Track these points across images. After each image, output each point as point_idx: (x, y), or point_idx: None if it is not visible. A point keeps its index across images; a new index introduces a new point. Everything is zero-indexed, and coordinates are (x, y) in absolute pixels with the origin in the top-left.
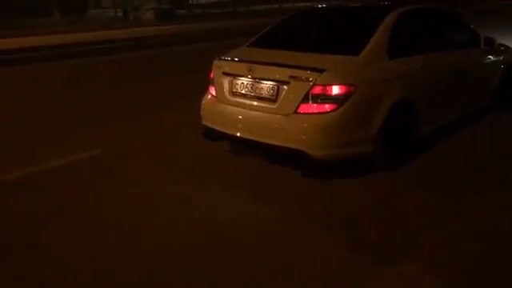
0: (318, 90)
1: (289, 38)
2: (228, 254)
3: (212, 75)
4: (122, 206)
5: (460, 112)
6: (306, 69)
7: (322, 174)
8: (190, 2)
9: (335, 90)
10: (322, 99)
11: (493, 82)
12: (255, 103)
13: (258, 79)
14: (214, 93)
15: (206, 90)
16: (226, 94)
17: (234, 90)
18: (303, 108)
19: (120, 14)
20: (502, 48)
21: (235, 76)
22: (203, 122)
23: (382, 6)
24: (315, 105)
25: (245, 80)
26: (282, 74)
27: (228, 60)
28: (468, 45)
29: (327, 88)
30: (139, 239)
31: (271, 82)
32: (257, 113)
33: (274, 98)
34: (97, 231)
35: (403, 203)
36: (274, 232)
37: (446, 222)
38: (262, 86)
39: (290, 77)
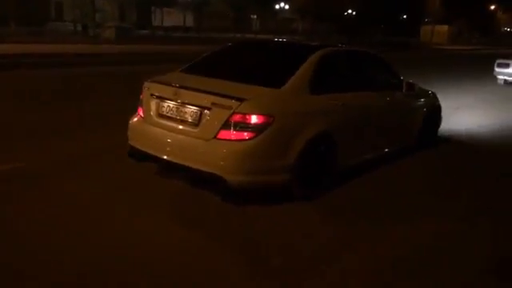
0: (237, 117)
1: (219, 67)
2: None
3: (141, 96)
4: (34, 225)
5: (381, 149)
6: (227, 97)
7: (241, 199)
8: (155, 24)
9: (254, 119)
10: (241, 127)
11: (416, 123)
12: (179, 126)
13: (183, 103)
14: (141, 114)
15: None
16: (153, 115)
17: (161, 112)
18: (223, 134)
19: (79, 28)
20: (424, 93)
21: (162, 98)
22: (129, 142)
23: (311, 44)
24: (234, 132)
25: (171, 103)
26: (205, 100)
27: (158, 82)
28: (390, 87)
29: (246, 117)
30: (48, 258)
31: (194, 107)
32: (180, 136)
33: (196, 122)
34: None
35: (314, 231)
36: (185, 253)
37: (354, 249)
38: (186, 110)
39: (213, 103)
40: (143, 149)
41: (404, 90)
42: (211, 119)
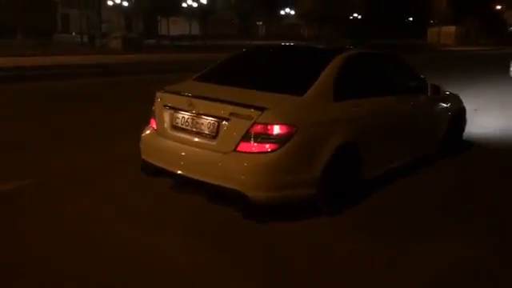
0: (258, 128)
1: (235, 74)
2: None
3: (154, 107)
4: (46, 243)
5: (406, 157)
6: (247, 106)
7: (263, 216)
8: (161, 33)
9: (276, 129)
10: (262, 138)
11: (441, 128)
12: (195, 139)
13: (198, 114)
14: (154, 126)
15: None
16: (167, 127)
17: (175, 124)
18: (243, 147)
19: (86, 40)
20: (448, 95)
21: (176, 109)
22: (142, 156)
23: (331, 48)
24: (255, 144)
25: (186, 114)
26: (223, 110)
27: (171, 92)
28: (415, 91)
29: (268, 127)
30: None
31: (212, 118)
32: (196, 149)
33: (213, 134)
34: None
35: (341, 248)
36: (201, 275)
37: (380, 270)
38: (203, 121)
39: (231, 114)
40: (157, 163)
41: (429, 93)
42: (230, 131)
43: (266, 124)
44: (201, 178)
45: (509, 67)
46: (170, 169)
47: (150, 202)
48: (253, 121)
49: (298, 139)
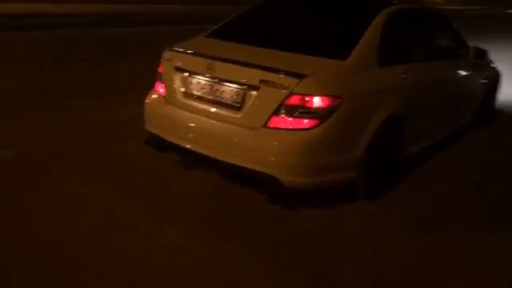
0: (295, 100)
1: (260, 31)
2: None
3: (161, 69)
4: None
5: (446, 130)
6: (281, 72)
7: (292, 202)
8: None
9: (317, 101)
10: (299, 112)
11: (479, 96)
12: (214, 109)
13: (219, 80)
14: (161, 91)
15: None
16: (178, 94)
17: (188, 91)
18: (275, 122)
19: None
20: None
21: (190, 73)
22: (146, 127)
23: (372, 1)
24: (291, 119)
25: (202, 79)
26: (251, 76)
27: (182, 52)
28: (457, 55)
29: (307, 99)
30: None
31: (236, 86)
32: (215, 122)
33: (238, 105)
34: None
35: (394, 243)
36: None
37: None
38: (224, 88)
39: (261, 81)
40: (166, 137)
41: (471, 58)
42: (259, 102)
43: (305, 95)
44: (219, 157)
45: None
46: (182, 143)
47: (156, 181)
48: (289, 90)
49: (343, 113)
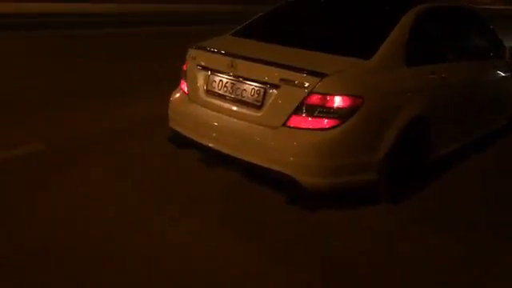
0: (315, 99)
1: (284, 30)
2: None
3: (185, 67)
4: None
5: (478, 132)
6: (302, 71)
7: (311, 204)
8: None
9: (338, 101)
10: (320, 112)
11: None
12: (235, 108)
13: (240, 78)
14: (185, 89)
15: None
16: (200, 92)
17: (210, 89)
18: (295, 121)
19: None
20: None
21: (213, 71)
22: (170, 124)
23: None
24: (311, 118)
25: (224, 77)
26: (272, 74)
27: (206, 50)
28: (492, 56)
29: (328, 98)
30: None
31: (257, 84)
32: (236, 120)
33: (258, 103)
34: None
35: (408, 244)
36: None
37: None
38: (245, 87)
39: (282, 79)
40: (187, 134)
41: (508, 59)
42: (279, 100)
43: (326, 94)
44: (239, 156)
45: None
46: (203, 141)
47: (177, 179)
48: (309, 89)
49: (364, 113)
